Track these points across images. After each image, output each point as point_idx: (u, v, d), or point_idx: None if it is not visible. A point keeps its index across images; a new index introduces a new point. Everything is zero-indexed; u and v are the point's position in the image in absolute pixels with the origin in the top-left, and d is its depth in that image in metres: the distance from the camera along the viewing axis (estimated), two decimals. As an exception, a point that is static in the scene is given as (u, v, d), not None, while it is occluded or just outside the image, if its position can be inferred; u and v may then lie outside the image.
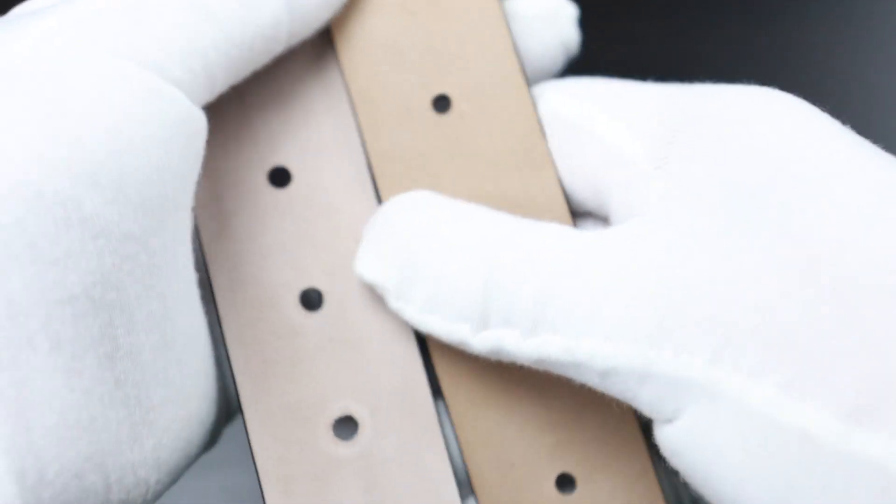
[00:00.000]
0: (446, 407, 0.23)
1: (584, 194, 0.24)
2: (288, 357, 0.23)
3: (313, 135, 0.24)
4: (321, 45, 0.24)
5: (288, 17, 0.22)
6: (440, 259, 0.22)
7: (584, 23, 0.42)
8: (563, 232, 0.21)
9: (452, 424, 0.23)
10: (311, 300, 0.23)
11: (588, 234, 0.21)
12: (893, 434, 0.17)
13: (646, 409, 0.20)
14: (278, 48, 0.22)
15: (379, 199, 0.24)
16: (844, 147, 0.20)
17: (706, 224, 0.20)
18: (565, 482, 0.23)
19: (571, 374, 0.21)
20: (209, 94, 0.22)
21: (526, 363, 0.21)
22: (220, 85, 0.22)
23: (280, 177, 0.24)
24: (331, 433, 0.23)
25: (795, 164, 0.20)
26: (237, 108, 0.24)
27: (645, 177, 0.21)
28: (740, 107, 0.21)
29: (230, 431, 0.37)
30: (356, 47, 0.24)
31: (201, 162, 0.22)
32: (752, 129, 0.21)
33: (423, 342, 0.24)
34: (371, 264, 0.23)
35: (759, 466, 0.18)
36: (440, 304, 0.22)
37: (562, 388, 0.23)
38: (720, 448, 0.19)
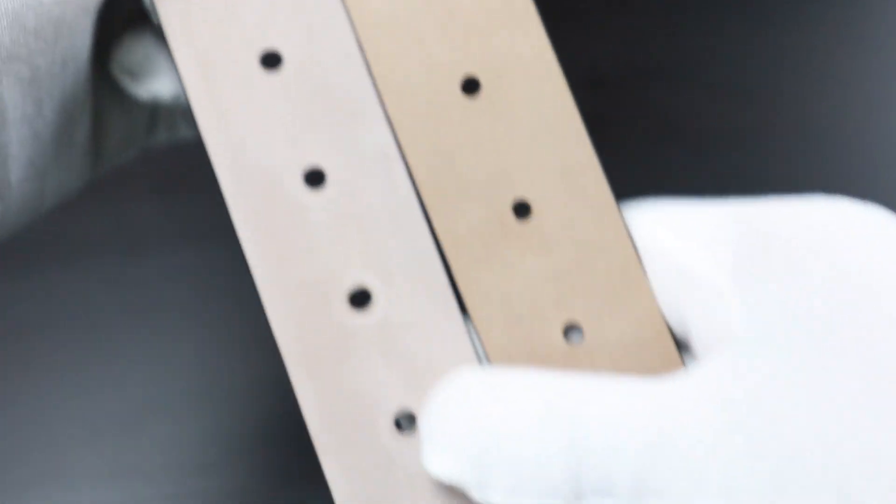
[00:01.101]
0: (447, 268, 0.24)
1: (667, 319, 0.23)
2: (297, 236, 0.24)
3: (301, 18, 0.24)
4: None
5: None
6: (516, 440, 0.21)
7: (585, 23, 0.42)
8: (647, 387, 0.21)
9: (455, 284, 0.24)
10: (314, 178, 0.24)
11: (673, 383, 0.20)
12: None
13: None
14: None
15: (370, 71, 0.24)
16: None
17: (798, 364, 0.19)
18: (572, 330, 0.24)
19: None
20: None
21: None
22: None
23: (271, 59, 0.24)
24: (346, 305, 0.23)
25: (879, 296, 0.20)
26: None
27: (725, 306, 0.21)
28: (816, 227, 0.21)
29: (227, 437, 0.37)
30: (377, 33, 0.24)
31: None
32: (829, 252, 0.20)
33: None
34: (442, 463, 0.22)
35: None
36: (526, 487, 0.21)
37: (565, 246, 0.24)
38: None
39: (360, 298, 0.24)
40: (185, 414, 0.37)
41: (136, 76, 0.27)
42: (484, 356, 0.24)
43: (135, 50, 0.27)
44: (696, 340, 0.22)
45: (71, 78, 0.25)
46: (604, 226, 0.24)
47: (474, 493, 0.21)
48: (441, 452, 0.22)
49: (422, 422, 0.22)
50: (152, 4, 0.24)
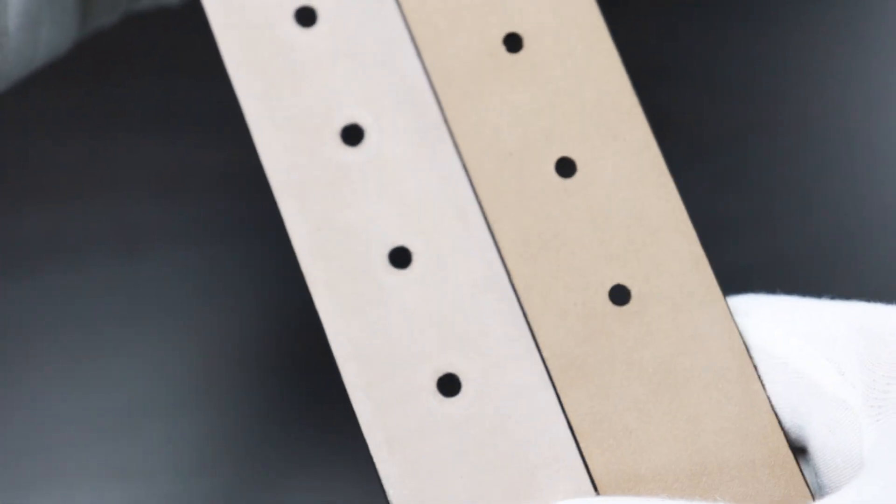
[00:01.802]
0: (439, 103, 0.24)
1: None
2: (288, 72, 0.23)
3: None
4: None
5: None
6: None
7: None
8: None
9: (446, 120, 0.23)
10: (305, 16, 0.24)
11: None
12: None
13: None
14: None
15: None
16: None
17: None
18: (565, 166, 0.23)
19: None
20: None
21: None
22: None
23: None
24: (338, 139, 0.23)
25: None
26: None
27: (856, 428, 0.21)
28: None
29: (227, 437, 0.37)
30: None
31: None
32: None
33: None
34: None
35: None
36: None
37: (557, 78, 0.23)
38: None
39: (352, 134, 0.23)
40: (184, 414, 0.37)
41: None
42: (474, 195, 0.23)
43: None
44: (817, 454, 0.22)
45: None
46: (596, 56, 0.23)
47: None
48: None
49: None
50: None
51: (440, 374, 0.22)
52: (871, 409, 0.21)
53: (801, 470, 0.23)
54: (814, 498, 0.22)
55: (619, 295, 0.23)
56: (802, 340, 0.22)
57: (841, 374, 0.21)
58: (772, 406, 0.23)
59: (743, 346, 0.23)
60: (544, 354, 0.23)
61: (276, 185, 0.23)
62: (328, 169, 0.23)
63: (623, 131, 0.23)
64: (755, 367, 0.23)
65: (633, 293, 0.23)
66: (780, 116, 0.42)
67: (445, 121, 0.23)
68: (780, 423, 0.23)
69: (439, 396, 0.22)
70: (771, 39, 0.43)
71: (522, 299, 0.23)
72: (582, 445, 0.22)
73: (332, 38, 0.24)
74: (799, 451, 0.23)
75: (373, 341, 0.22)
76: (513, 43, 0.24)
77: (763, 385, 0.23)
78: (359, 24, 0.24)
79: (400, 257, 0.23)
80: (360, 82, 0.23)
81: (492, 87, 0.23)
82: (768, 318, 0.23)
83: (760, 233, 0.40)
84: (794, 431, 0.22)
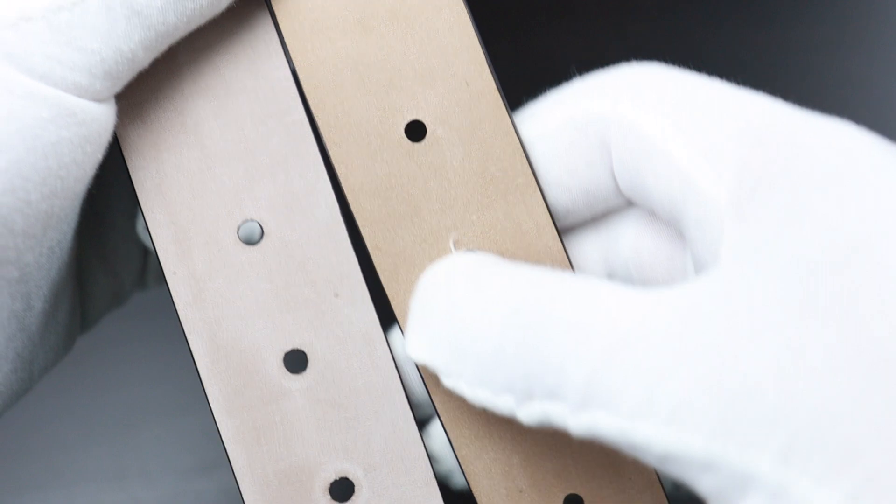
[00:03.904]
0: (450, 442, 0.23)
1: (644, 203, 0.23)
2: (277, 422, 0.23)
3: (281, 185, 0.23)
4: (283, 88, 0.23)
5: None
6: (481, 331, 0.21)
7: (584, 23, 0.42)
8: (617, 296, 0.20)
9: (457, 458, 0.23)
10: (294, 362, 0.23)
11: (644, 297, 0.20)
12: None
13: (705, 494, 0.19)
14: None
15: (354, 245, 0.23)
16: None
17: (780, 304, 0.18)
18: (574, 503, 0.24)
19: (626, 451, 0.19)
20: (129, 74, 0.21)
21: (578, 436, 0.20)
22: (142, 60, 0.21)
23: (251, 232, 0.23)
24: (327, 497, 0.23)
25: (880, 248, 0.18)
26: (199, 160, 0.23)
27: (720, 220, 0.21)
28: (835, 160, 0.20)
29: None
30: (319, 77, 0.23)
31: (94, 167, 0.22)
32: (843, 194, 0.19)
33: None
34: (420, 346, 0.22)
35: None
36: (486, 378, 0.21)
37: None
38: None
39: (341, 489, 0.23)
40: (184, 414, 0.37)
41: None
42: None
43: None
44: (690, 245, 0.22)
45: (57, 262, 0.24)
46: None
47: (445, 380, 0.22)
48: (419, 337, 0.22)
49: (410, 305, 0.23)
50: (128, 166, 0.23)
51: None
52: (736, 207, 0.20)
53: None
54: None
55: None
56: (680, 126, 0.22)
57: (709, 163, 0.21)
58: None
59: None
60: None
61: None
62: None
63: (628, 472, 0.24)
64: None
65: None
66: (780, 116, 0.42)
67: (456, 458, 0.23)
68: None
69: None
70: (771, 39, 0.43)
71: None
72: None
73: (322, 385, 0.23)
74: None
75: None
76: None
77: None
78: (349, 370, 0.23)
79: None
80: (350, 433, 0.23)
81: (502, 427, 0.23)
82: (663, 108, 0.22)
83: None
84: (672, 222, 0.22)
